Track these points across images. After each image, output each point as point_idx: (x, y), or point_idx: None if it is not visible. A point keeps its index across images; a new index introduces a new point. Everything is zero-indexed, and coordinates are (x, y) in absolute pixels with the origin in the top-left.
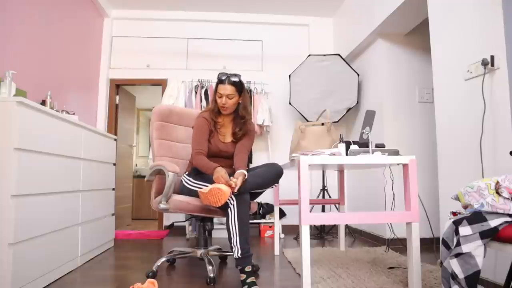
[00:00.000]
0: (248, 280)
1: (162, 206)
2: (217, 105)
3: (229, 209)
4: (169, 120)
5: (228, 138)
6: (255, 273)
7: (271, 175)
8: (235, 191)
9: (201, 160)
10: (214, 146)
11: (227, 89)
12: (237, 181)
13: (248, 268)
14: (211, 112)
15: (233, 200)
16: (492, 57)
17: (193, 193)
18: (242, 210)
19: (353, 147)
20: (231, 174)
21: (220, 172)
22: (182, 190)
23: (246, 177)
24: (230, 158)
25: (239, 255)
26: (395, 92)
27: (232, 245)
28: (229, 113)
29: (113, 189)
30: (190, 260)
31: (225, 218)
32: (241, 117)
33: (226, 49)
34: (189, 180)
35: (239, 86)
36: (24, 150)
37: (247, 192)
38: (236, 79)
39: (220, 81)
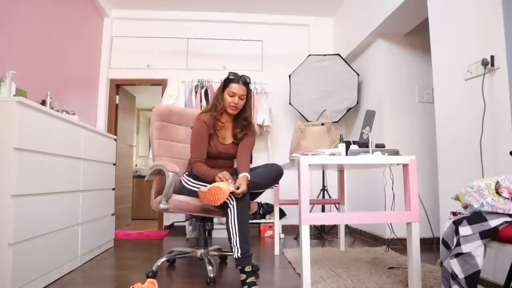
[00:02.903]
0: (248, 280)
1: (162, 206)
2: (224, 103)
3: (228, 209)
4: (169, 120)
5: (228, 140)
6: (255, 273)
7: (271, 175)
8: (239, 196)
9: (201, 168)
10: (214, 148)
11: (241, 89)
12: (241, 186)
13: (248, 268)
14: (216, 112)
15: (233, 200)
16: (492, 57)
17: (193, 193)
18: (242, 210)
19: (353, 147)
20: (232, 174)
21: (224, 175)
22: (182, 190)
23: (249, 179)
24: (230, 159)
25: (239, 255)
26: (395, 92)
27: (232, 245)
28: (236, 113)
29: (113, 189)
30: (190, 260)
31: (225, 218)
32: (244, 118)
33: (226, 49)
34: (188, 180)
35: (248, 88)
36: (24, 150)
37: (247, 193)
38: (248, 80)
39: (233, 80)
